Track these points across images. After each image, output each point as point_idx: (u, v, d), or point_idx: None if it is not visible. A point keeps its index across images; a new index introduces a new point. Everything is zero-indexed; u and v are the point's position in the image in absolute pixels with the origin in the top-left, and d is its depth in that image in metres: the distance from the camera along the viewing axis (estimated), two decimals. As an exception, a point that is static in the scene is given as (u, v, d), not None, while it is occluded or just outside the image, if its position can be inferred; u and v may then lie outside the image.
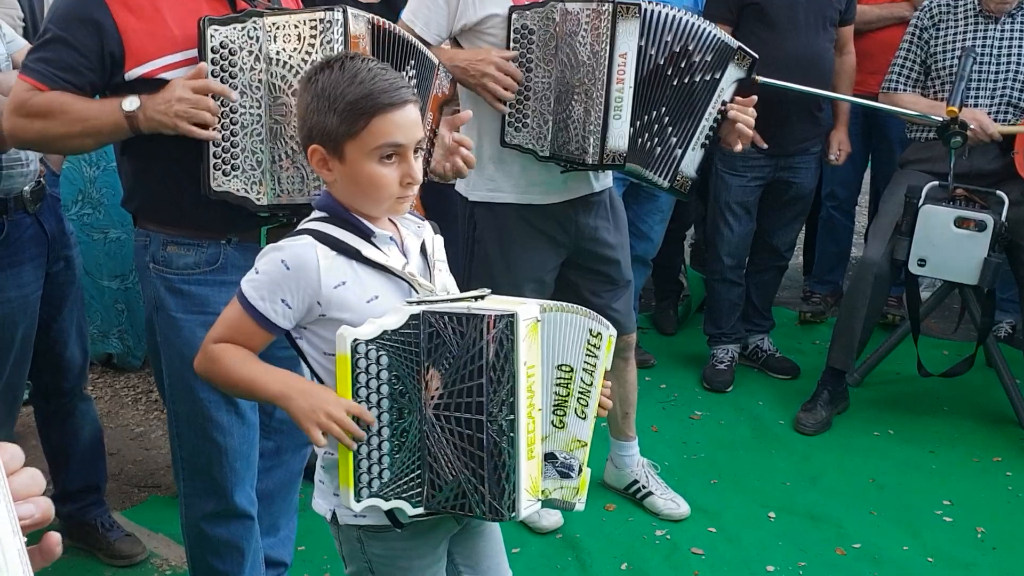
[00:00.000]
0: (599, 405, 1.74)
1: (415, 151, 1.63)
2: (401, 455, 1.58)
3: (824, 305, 4.57)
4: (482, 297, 1.64)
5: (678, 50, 2.50)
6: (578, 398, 1.70)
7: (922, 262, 3.39)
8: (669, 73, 2.51)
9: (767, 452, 3.47)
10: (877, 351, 3.83)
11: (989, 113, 3.47)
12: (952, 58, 3.57)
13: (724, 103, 2.54)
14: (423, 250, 1.73)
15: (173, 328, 2.09)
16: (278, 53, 1.92)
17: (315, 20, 1.93)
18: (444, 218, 2.85)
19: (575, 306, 1.70)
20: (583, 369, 1.70)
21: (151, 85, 1.94)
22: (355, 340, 1.55)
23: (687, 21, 2.49)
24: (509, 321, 1.52)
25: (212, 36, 1.91)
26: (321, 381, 1.66)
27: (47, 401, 2.81)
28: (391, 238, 1.67)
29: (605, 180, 2.82)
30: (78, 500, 2.85)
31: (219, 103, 1.91)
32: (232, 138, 1.94)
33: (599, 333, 1.70)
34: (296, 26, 1.93)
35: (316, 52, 1.92)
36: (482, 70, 2.50)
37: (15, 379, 2.60)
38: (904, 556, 2.88)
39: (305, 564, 2.78)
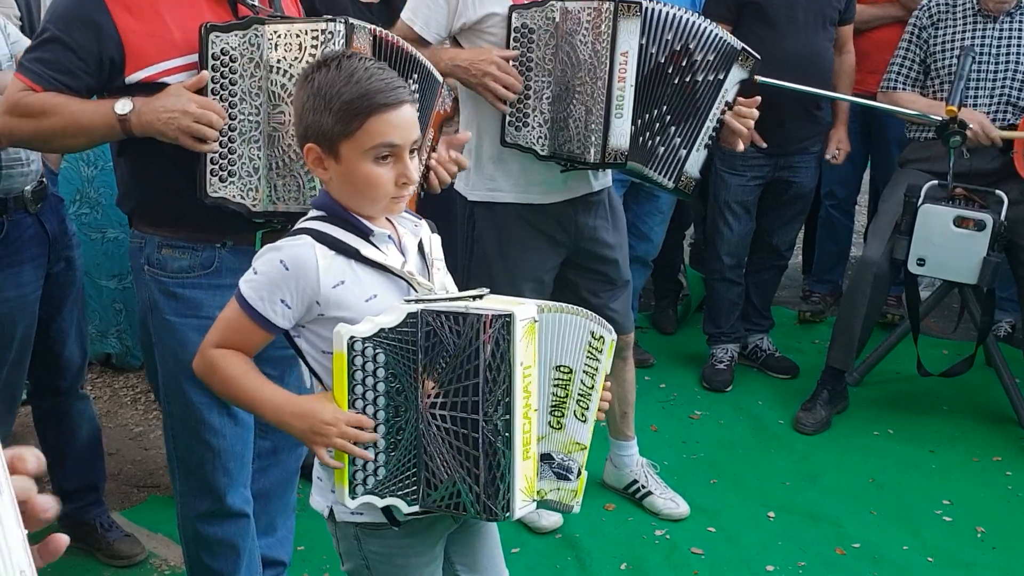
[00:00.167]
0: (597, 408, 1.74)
1: (411, 151, 1.63)
2: (397, 453, 1.59)
3: (823, 304, 4.57)
4: (480, 297, 1.63)
5: (679, 48, 2.50)
6: (578, 400, 1.70)
7: (921, 261, 3.39)
8: (670, 72, 2.51)
9: (767, 452, 3.46)
10: (877, 350, 3.83)
11: (988, 112, 3.47)
12: (951, 57, 3.56)
13: (727, 104, 2.55)
14: (420, 249, 1.73)
15: (167, 331, 2.09)
16: (279, 61, 1.92)
17: (317, 30, 1.92)
18: (444, 218, 2.86)
19: (575, 307, 1.69)
20: (584, 372, 1.69)
21: (151, 90, 1.94)
22: (351, 338, 1.55)
23: (688, 20, 2.49)
24: (506, 321, 1.52)
25: (213, 43, 1.91)
26: (320, 380, 1.66)
27: (43, 400, 2.81)
28: (389, 237, 1.67)
29: (604, 179, 2.82)
30: (76, 500, 2.84)
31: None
32: (230, 144, 1.94)
33: (601, 336, 1.70)
34: (297, 35, 1.92)
35: (320, 56, 1.91)
36: (483, 69, 2.50)
37: (14, 378, 2.60)
38: (904, 556, 2.88)
39: (304, 564, 2.78)
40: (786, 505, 3.13)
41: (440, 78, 2.19)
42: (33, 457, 0.80)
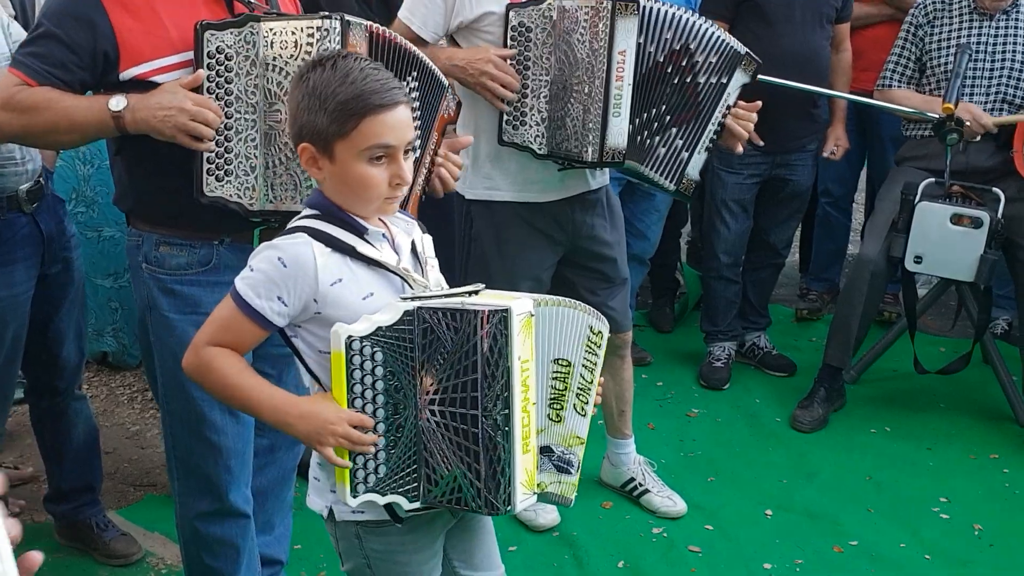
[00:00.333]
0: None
1: (405, 152, 1.63)
2: (397, 450, 1.59)
3: (821, 302, 4.57)
4: (475, 292, 1.64)
5: (678, 48, 2.50)
6: (577, 394, 1.71)
7: (918, 259, 3.39)
8: (669, 71, 2.51)
9: (764, 449, 3.47)
10: (874, 348, 3.83)
11: (984, 110, 3.47)
12: (947, 55, 3.57)
13: (729, 107, 2.55)
14: (413, 248, 1.74)
15: (166, 328, 2.08)
16: (275, 59, 1.92)
17: (312, 27, 1.92)
18: (442, 217, 2.86)
19: (571, 300, 1.70)
20: (583, 366, 1.70)
21: (145, 87, 1.93)
22: (349, 337, 1.55)
23: (688, 20, 2.49)
24: (503, 316, 1.53)
25: (208, 41, 1.90)
26: (317, 379, 1.66)
27: (41, 400, 2.80)
28: (384, 235, 1.68)
29: (602, 178, 2.82)
30: (72, 500, 2.84)
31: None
32: (226, 143, 1.94)
33: (600, 331, 1.71)
34: (293, 32, 1.92)
35: (316, 55, 1.91)
36: (480, 68, 2.50)
37: (5, 378, 2.59)
38: (901, 553, 2.89)
39: (301, 562, 2.77)
40: (783, 503, 3.13)
41: (446, 82, 2.19)
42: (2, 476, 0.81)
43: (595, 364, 1.72)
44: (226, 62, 1.92)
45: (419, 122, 2.09)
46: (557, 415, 1.70)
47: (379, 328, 1.56)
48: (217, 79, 1.92)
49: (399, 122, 1.61)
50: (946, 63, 3.56)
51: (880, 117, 4.10)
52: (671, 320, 4.46)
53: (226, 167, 1.94)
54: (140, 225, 2.10)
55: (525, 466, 1.59)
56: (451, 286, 1.75)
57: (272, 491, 2.42)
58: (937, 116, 3.31)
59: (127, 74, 1.95)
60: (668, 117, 2.55)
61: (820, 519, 3.05)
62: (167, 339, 2.09)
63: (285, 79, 1.91)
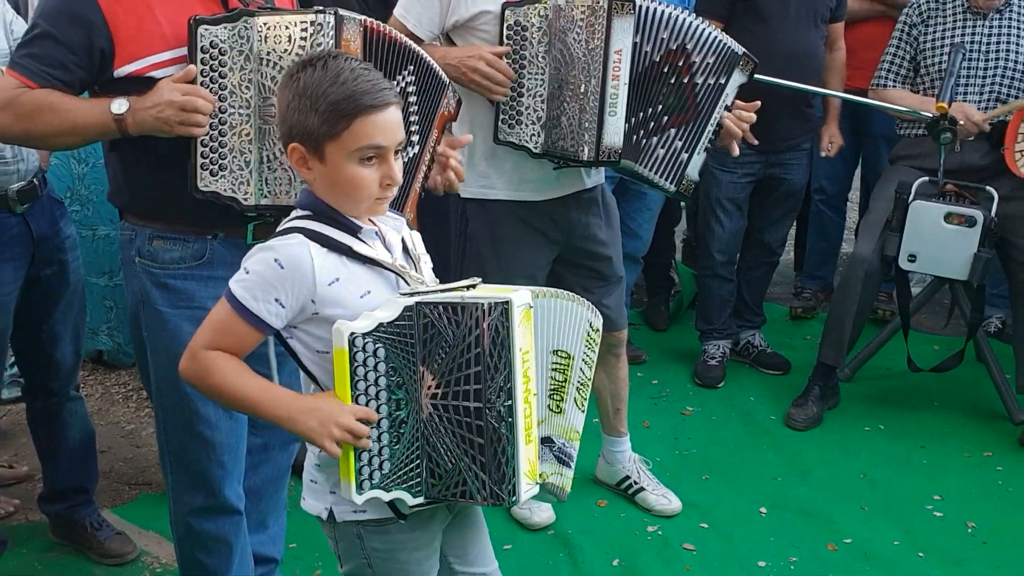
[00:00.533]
0: None
1: (395, 152, 1.64)
2: (400, 446, 1.60)
3: (815, 301, 4.58)
4: (473, 286, 1.65)
5: (675, 48, 2.50)
6: (578, 388, 1.72)
7: (912, 258, 3.40)
8: (666, 71, 2.52)
9: (758, 448, 3.47)
10: (868, 346, 3.84)
11: (978, 109, 3.48)
12: (941, 55, 3.58)
13: (727, 108, 2.56)
14: (404, 246, 1.74)
15: (159, 322, 2.08)
16: (268, 54, 1.92)
17: (306, 22, 1.93)
18: (437, 215, 2.86)
19: (567, 292, 1.72)
20: (583, 360, 1.71)
21: (140, 83, 1.93)
22: (352, 334, 1.56)
23: (684, 19, 2.50)
24: (504, 308, 1.54)
25: (202, 36, 1.90)
26: (315, 379, 1.66)
27: (36, 399, 2.80)
28: (376, 233, 1.68)
29: (597, 177, 2.82)
30: (67, 499, 2.84)
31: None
32: (220, 138, 1.94)
33: (597, 328, 1.73)
34: (287, 27, 1.92)
35: (306, 54, 1.91)
36: (472, 65, 2.50)
37: None
38: (895, 551, 2.89)
39: (296, 561, 2.77)
40: (778, 501, 3.14)
41: (446, 79, 2.18)
42: None
43: (593, 360, 1.73)
44: (220, 57, 1.92)
45: (417, 117, 2.10)
46: (557, 406, 1.71)
47: (380, 324, 1.56)
48: (211, 74, 1.92)
49: (390, 123, 1.61)
50: (940, 63, 3.57)
51: (874, 116, 4.12)
52: (666, 318, 4.47)
53: (220, 162, 1.94)
54: (133, 219, 2.10)
55: (528, 456, 1.60)
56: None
57: (266, 490, 2.42)
58: (931, 115, 3.31)
59: (122, 71, 1.95)
60: (666, 117, 2.55)
61: (814, 517, 3.06)
62: (160, 333, 2.08)
63: (279, 74, 1.91)
